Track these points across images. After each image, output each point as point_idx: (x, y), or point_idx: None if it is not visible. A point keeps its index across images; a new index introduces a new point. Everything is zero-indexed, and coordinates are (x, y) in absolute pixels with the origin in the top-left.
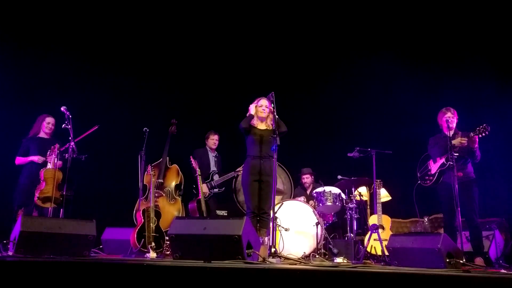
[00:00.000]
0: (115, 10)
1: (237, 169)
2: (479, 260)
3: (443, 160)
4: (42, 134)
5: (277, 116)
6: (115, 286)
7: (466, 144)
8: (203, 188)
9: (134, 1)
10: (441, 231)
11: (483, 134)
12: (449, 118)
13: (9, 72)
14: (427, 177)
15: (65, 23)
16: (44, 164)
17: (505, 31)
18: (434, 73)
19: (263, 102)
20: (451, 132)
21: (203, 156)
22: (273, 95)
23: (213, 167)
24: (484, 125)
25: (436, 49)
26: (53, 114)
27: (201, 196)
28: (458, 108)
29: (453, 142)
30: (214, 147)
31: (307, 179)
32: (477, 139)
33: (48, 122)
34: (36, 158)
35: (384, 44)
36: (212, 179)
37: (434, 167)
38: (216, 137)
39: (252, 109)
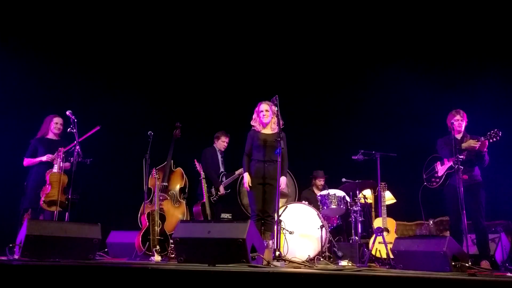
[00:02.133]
0: (120, 14)
1: (238, 171)
2: (485, 264)
3: (451, 163)
4: (50, 135)
5: (283, 146)
6: None
7: (477, 148)
8: (220, 189)
9: (139, 4)
10: (447, 234)
11: (494, 139)
12: (457, 121)
13: (15, 75)
14: (433, 179)
15: (71, 27)
16: (52, 165)
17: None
18: (439, 76)
19: (264, 106)
20: (460, 135)
21: (213, 156)
22: (277, 98)
23: (221, 168)
24: (496, 130)
25: (441, 51)
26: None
27: (205, 199)
28: (465, 110)
29: (464, 145)
30: (223, 149)
31: (321, 181)
32: (487, 144)
33: (56, 122)
34: (44, 158)
35: (389, 47)
36: (222, 181)
37: (441, 169)
38: (227, 140)
39: (255, 122)
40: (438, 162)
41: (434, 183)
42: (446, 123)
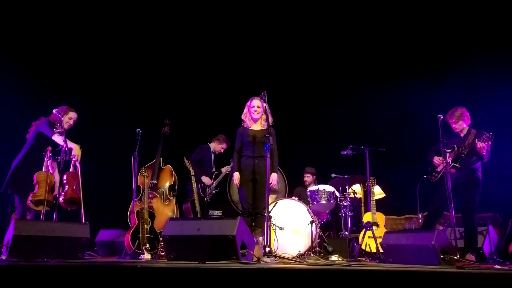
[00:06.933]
0: (109, 12)
1: (224, 168)
2: (469, 257)
3: (450, 160)
4: (57, 127)
5: (272, 143)
6: None
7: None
8: (205, 180)
9: (129, 2)
10: (437, 227)
11: (487, 143)
12: (452, 125)
13: (12, 70)
14: (434, 173)
15: (62, 26)
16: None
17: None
18: (428, 72)
19: (256, 102)
20: (463, 133)
21: (206, 153)
22: (266, 94)
23: (213, 168)
24: (490, 134)
25: (431, 49)
26: (45, 114)
27: (195, 197)
28: (456, 105)
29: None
30: (217, 153)
31: (307, 178)
32: (483, 145)
33: (70, 118)
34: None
35: (379, 44)
36: (215, 179)
37: (441, 165)
38: (226, 147)
39: (245, 116)
40: (435, 157)
41: (433, 178)
42: (434, 118)
